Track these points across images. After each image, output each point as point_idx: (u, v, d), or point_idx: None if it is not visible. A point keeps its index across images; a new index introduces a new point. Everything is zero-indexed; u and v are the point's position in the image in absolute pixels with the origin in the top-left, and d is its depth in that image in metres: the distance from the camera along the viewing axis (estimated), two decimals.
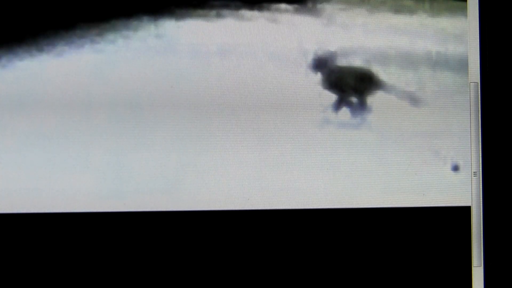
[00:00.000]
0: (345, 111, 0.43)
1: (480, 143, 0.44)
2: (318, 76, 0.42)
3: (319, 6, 0.43)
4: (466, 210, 0.44)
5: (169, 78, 0.41)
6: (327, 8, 0.43)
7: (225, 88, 0.41)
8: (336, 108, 0.43)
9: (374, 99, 0.43)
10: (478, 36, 0.45)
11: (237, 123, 0.41)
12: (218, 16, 0.42)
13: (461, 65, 0.44)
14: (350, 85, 0.43)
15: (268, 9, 0.42)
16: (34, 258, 0.40)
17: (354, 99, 0.43)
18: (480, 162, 0.44)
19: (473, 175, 0.44)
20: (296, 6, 0.42)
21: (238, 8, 0.42)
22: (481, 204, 0.44)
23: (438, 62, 0.44)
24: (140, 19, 0.41)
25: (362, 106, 0.43)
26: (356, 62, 0.43)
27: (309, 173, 0.42)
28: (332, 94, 0.43)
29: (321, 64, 0.43)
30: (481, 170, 0.44)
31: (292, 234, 0.42)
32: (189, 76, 0.41)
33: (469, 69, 0.44)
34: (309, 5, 0.43)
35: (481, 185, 0.44)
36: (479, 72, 0.45)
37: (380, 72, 0.43)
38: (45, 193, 0.39)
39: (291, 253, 0.42)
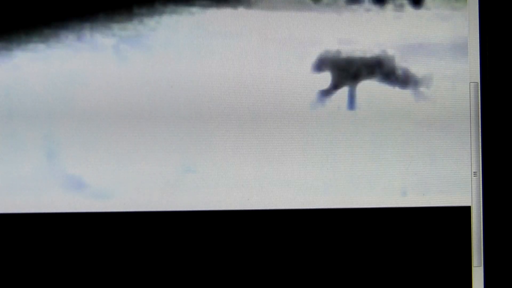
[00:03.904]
0: (344, 111, 0.43)
1: (480, 143, 0.44)
2: (318, 75, 0.42)
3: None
4: (466, 210, 0.44)
5: (169, 77, 0.41)
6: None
7: (225, 88, 0.41)
8: (336, 108, 0.43)
9: (374, 99, 0.43)
10: (478, 36, 0.45)
11: (238, 123, 0.41)
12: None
13: (461, 65, 0.44)
14: (349, 85, 0.43)
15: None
16: (37, 258, 0.40)
17: (354, 99, 0.43)
18: (480, 162, 0.44)
19: (473, 175, 0.44)
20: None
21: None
22: (481, 204, 0.44)
23: (438, 62, 0.44)
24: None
25: (362, 107, 0.43)
26: (355, 62, 0.43)
27: (309, 173, 0.42)
28: (332, 94, 0.43)
29: (322, 62, 0.43)
30: (481, 170, 0.44)
31: (292, 234, 0.42)
32: (189, 76, 0.41)
33: (469, 69, 0.44)
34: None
35: (481, 185, 0.44)
36: (479, 72, 0.45)
37: (381, 72, 0.43)
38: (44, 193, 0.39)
39: (291, 253, 0.42)
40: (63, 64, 0.40)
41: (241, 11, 0.42)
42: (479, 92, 0.44)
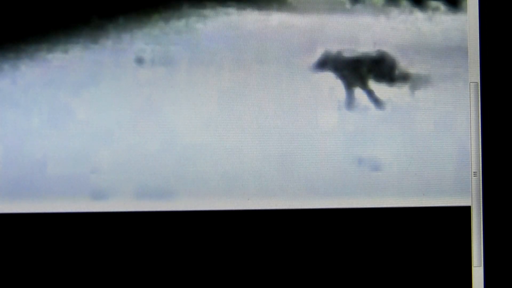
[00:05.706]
0: (344, 111, 0.43)
1: (480, 143, 0.44)
2: (318, 76, 0.42)
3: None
4: (466, 210, 0.44)
5: (168, 78, 0.41)
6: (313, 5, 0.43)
7: (223, 85, 0.41)
8: (336, 108, 0.43)
9: (374, 99, 0.43)
10: (478, 36, 0.45)
11: (238, 123, 0.41)
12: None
13: (461, 65, 0.44)
14: (349, 85, 0.43)
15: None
16: (38, 259, 0.40)
17: (354, 100, 0.43)
18: (480, 162, 0.44)
19: (473, 175, 0.44)
20: None
21: None
22: (481, 204, 0.44)
23: (438, 62, 0.44)
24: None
25: (362, 107, 0.43)
26: (355, 62, 0.43)
27: (309, 173, 0.42)
28: (333, 94, 0.43)
29: (324, 61, 0.43)
30: (481, 170, 0.44)
31: (292, 234, 0.42)
32: (187, 77, 0.41)
33: (469, 69, 0.44)
34: None
35: (481, 185, 0.44)
36: (479, 72, 0.45)
37: (380, 72, 0.43)
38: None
39: (291, 253, 0.42)
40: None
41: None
42: (479, 92, 0.44)
